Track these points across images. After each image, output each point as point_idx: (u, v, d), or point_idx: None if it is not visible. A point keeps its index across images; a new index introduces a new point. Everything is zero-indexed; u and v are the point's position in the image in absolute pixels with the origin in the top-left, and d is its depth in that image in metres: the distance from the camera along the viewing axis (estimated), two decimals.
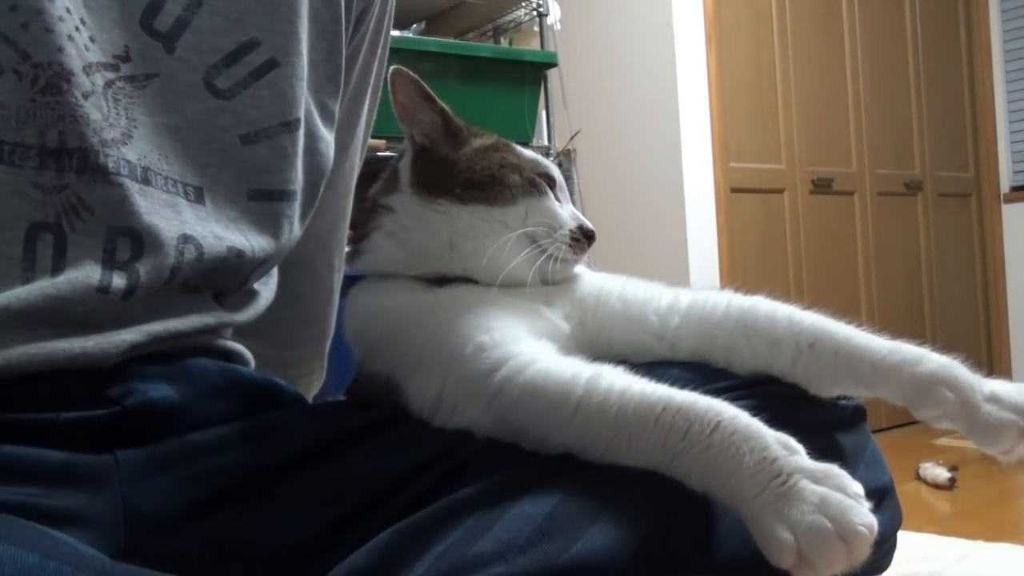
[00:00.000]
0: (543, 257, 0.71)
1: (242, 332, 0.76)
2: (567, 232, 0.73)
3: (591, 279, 0.76)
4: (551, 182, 0.76)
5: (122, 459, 0.59)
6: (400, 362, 0.69)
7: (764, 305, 0.69)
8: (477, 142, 0.77)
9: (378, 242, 0.76)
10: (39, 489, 0.54)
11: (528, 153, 0.78)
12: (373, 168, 0.95)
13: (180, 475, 0.60)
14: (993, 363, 3.72)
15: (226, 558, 0.59)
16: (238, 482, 0.62)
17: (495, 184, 0.73)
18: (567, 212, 0.75)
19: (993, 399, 0.61)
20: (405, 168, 0.77)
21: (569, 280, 0.75)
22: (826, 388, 0.67)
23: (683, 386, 0.57)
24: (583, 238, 0.74)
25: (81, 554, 0.48)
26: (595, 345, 0.70)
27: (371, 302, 0.75)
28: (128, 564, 0.51)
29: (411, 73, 0.75)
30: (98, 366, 0.59)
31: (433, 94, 0.76)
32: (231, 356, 0.72)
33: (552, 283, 0.73)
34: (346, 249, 0.94)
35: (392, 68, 0.75)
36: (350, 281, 0.81)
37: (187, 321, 0.65)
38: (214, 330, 0.69)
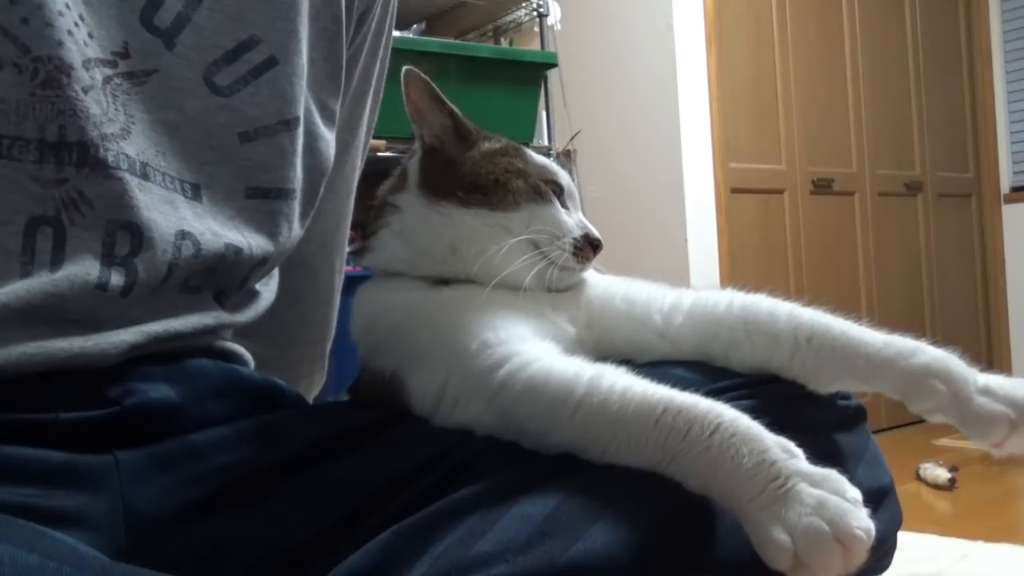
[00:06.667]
0: (543, 263, 0.71)
1: (243, 333, 0.76)
2: (571, 240, 0.73)
3: (596, 283, 0.76)
4: (558, 189, 0.76)
5: (122, 459, 0.59)
6: (404, 359, 0.70)
7: (765, 302, 0.69)
8: (486, 145, 0.77)
9: (385, 240, 0.76)
10: (39, 490, 0.54)
11: (538, 158, 0.78)
12: (373, 169, 0.95)
13: (180, 475, 0.60)
14: (993, 363, 3.71)
15: (226, 558, 0.59)
16: (238, 482, 0.62)
17: (499, 188, 0.73)
18: (574, 220, 0.75)
19: (987, 392, 0.61)
20: (414, 168, 0.77)
21: (574, 286, 0.75)
22: (824, 383, 0.67)
23: (685, 386, 0.57)
24: (588, 247, 0.73)
25: (81, 554, 0.48)
26: (600, 347, 0.71)
27: (377, 300, 0.75)
28: (128, 564, 0.51)
29: (423, 75, 0.75)
30: (98, 366, 0.59)
31: (444, 97, 0.76)
32: (231, 357, 0.73)
33: (555, 290, 0.73)
34: (352, 247, 0.94)
35: (405, 69, 0.75)
36: (356, 280, 0.81)
37: (187, 321, 0.65)
38: (214, 331, 0.69)
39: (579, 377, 0.58)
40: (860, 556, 0.49)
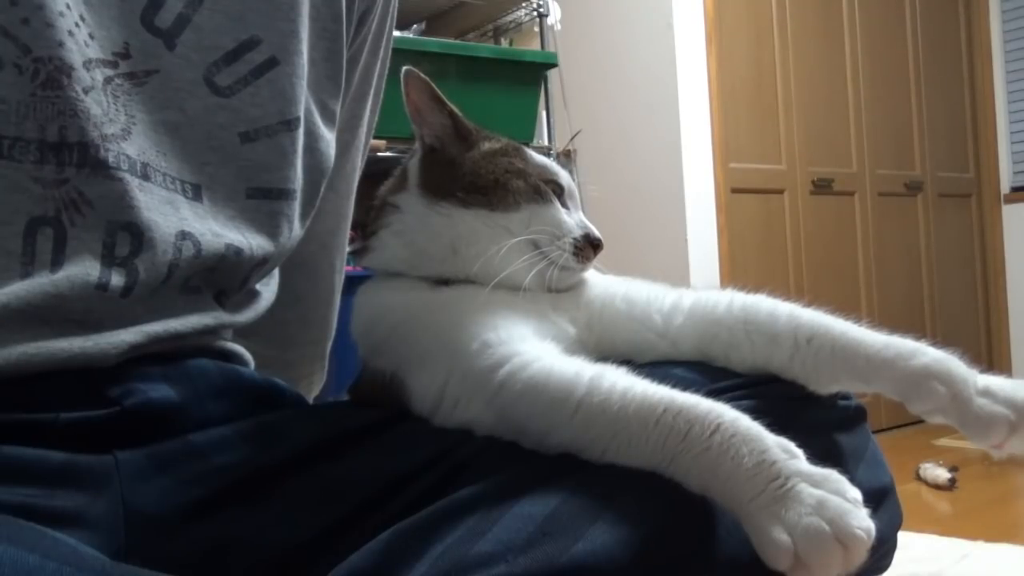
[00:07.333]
0: (543, 263, 0.71)
1: (243, 333, 0.76)
2: (571, 240, 0.72)
3: (597, 283, 0.76)
4: (559, 189, 0.76)
5: (122, 459, 0.59)
6: (405, 359, 0.70)
7: (765, 302, 0.69)
8: (486, 145, 0.77)
9: (385, 240, 0.76)
10: (39, 490, 0.54)
11: (538, 158, 0.78)
12: (373, 169, 0.95)
13: (180, 475, 0.60)
14: (993, 363, 3.71)
15: (226, 558, 0.59)
16: (238, 482, 0.62)
17: (498, 189, 0.73)
18: (574, 220, 0.75)
19: (986, 393, 0.61)
20: (414, 168, 0.77)
21: (575, 286, 0.75)
22: (824, 384, 0.67)
23: (685, 387, 0.57)
24: (588, 247, 0.73)
25: (81, 555, 0.48)
26: (600, 347, 0.71)
27: (378, 300, 0.75)
28: (128, 564, 0.51)
29: (423, 75, 0.75)
30: (98, 366, 0.59)
31: (444, 97, 0.76)
32: (231, 357, 0.72)
33: (555, 290, 0.73)
34: (352, 247, 0.94)
35: (404, 69, 0.75)
36: (356, 280, 0.81)
37: (187, 322, 0.65)
38: (214, 331, 0.69)
39: (579, 377, 0.58)
40: (860, 556, 0.49)
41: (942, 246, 3.64)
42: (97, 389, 0.60)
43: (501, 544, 0.51)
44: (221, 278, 0.69)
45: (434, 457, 0.64)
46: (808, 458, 0.53)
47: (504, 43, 3.21)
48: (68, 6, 0.59)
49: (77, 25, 0.59)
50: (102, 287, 0.59)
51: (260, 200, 0.70)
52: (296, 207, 0.73)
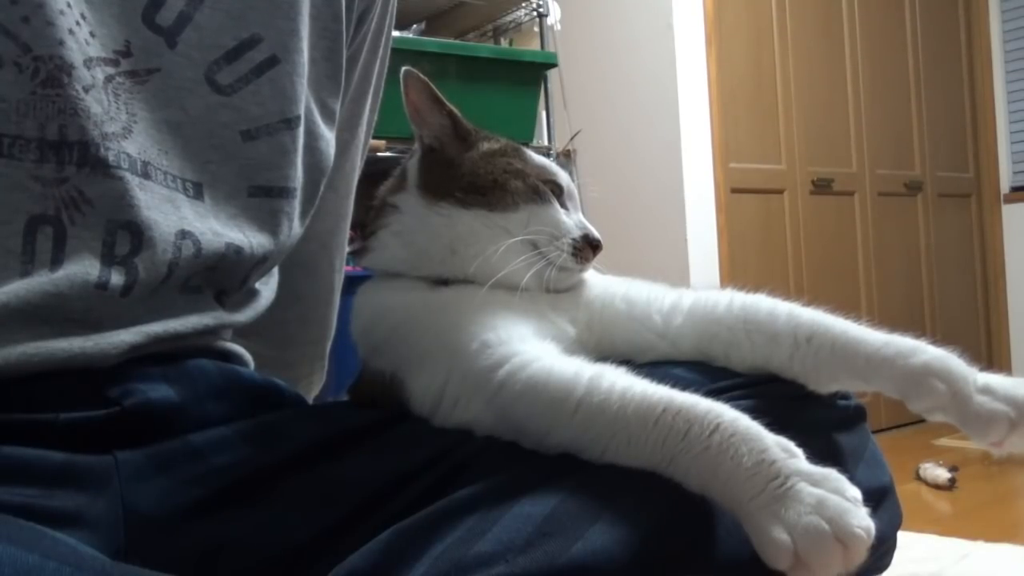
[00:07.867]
0: (541, 263, 0.71)
1: (243, 333, 0.76)
2: (569, 241, 0.72)
3: (596, 283, 0.76)
4: (558, 189, 0.76)
5: (122, 460, 0.59)
6: (404, 359, 0.70)
7: (765, 302, 0.69)
8: (485, 146, 0.77)
9: (384, 241, 0.76)
10: (39, 490, 0.54)
11: (538, 159, 0.78)
12: (373, 169, 0.95)
13: (180, 475, 0.60)
14: (993, 363, 3.71)
15: (226, 559, 0.59)
16: (238, 482, 0.62)
17: (497, 189, 0.73)
18: (573, 220, 0.75)
19: (986, 390, 0.61)
20: (413, 168, 0.77)
21: (574, 286, 0.75)
22: (824, 383, 0.67)
23: (685, 386, 0.57)
24: (587, 247, 0.73)
25: (81, 554, 0.48)
26: (600, 347, 0.71)
27: (377, 300, 0.75)
28: (128, 564, 0.51)
29: (422, 76, 0.75)
30: (98, 366, 0.59)
31: (443, 97, 0.76)
32: (230, 357, 0.73)
33: (553, 291, 0.73)
34: (352, 247, 0.94)
35: (404, 70, 0.75)
36: (356, 280, 0.81)
37: (186, 322, 0.65)
38: (214, 331, 0.69)
39: (579, 377, 0.58)
40: (860, 555, 0.49)
41: (942, 246, 3.64)
42: (97, 389, 0.60)
43: (501, 544, 0.51)
44: (221, 277, 0.69)
45: (434, 457, 0.64)
46: (808, 458, 0.53)
47: (504, 43, 3.21)
48: (69, 4, 0.59)
49: (78, 23, 0.60)
50: (102, 286, 0.59)
51: (261, 198, 0.70)
52: (296, 205, 0.74)
